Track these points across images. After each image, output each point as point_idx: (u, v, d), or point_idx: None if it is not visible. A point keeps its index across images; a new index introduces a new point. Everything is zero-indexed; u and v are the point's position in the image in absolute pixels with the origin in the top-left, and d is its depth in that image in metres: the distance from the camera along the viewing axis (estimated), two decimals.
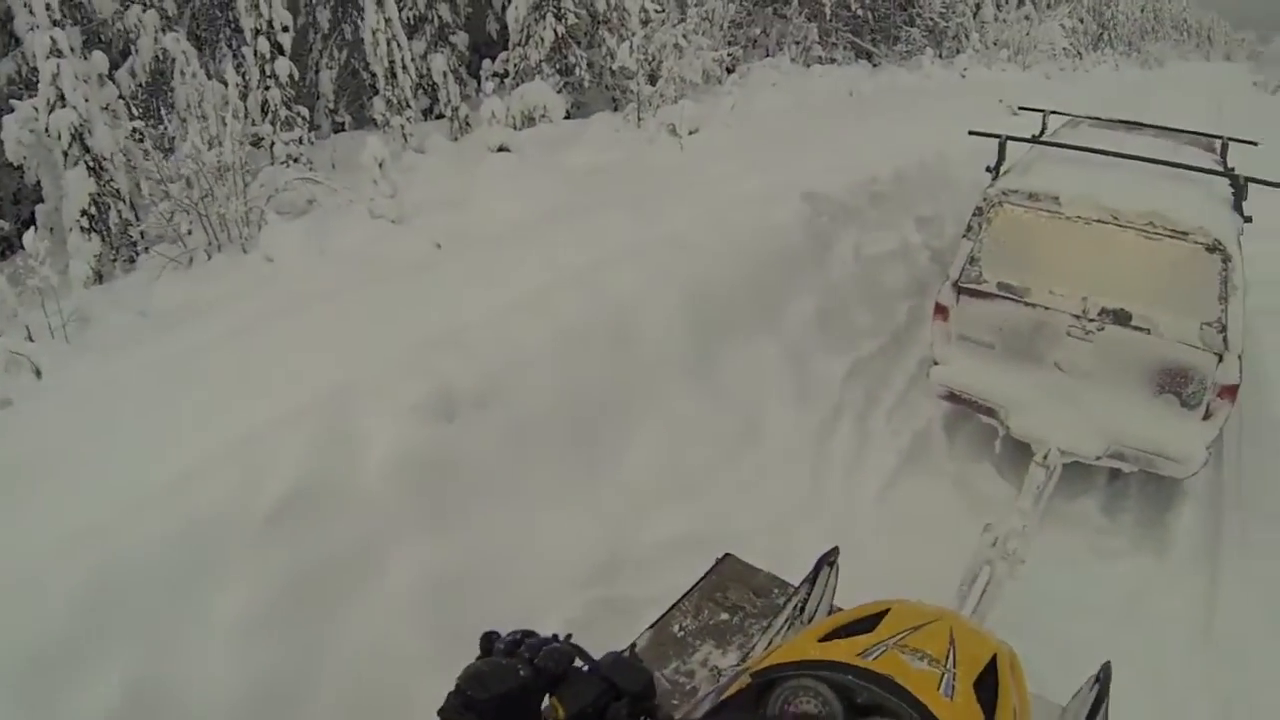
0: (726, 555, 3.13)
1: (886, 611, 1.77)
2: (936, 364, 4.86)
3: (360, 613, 2.97)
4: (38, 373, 4.82)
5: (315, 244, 6.25)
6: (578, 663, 1.26)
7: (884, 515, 4.37)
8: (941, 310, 4.81)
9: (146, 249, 8.14)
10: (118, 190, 8.31)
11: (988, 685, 1.64)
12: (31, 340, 5.69)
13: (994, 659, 1.72)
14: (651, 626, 2.74)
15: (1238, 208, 4.67)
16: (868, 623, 1.73)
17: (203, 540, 2.82)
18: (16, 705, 2.38)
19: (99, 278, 7.97)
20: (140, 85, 10.10)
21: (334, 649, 2.87)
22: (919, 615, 1.78)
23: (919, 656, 1.61)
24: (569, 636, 1.29)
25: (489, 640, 1.27)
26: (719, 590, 2.97)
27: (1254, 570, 4.05)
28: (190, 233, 7.52)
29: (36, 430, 3.75)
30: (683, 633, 2.75)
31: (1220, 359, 4.17)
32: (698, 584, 2.98)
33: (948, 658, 1.64)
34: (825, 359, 5.33)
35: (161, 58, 9.86)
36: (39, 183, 8.75)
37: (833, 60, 18.53)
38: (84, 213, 8.09)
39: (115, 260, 8.36)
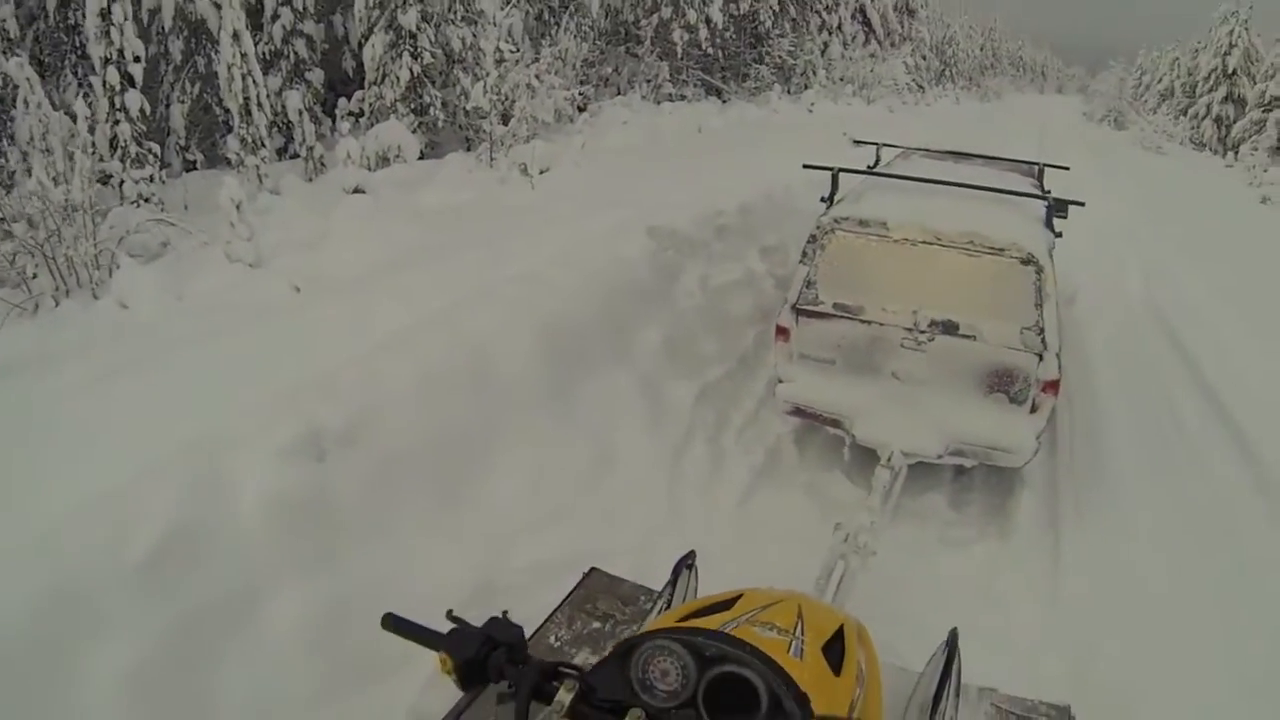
0: (592, 569, 3.37)
1: (740, 597, 1.90)
2: (781, 382, 5.22)
3: (244, 655, 3.01)
4: None
5: (172, 289, 6.19)
6: None
7: (741, 525, 4.68)
8: (783, 332, 5.18)
9: None
10: None
11: (835, 650, 1.80)
12: None
13: (841, 628, 1.89)
14: (528, 640, 2.96)
15: (1049, 225, 5.19)
16: (721, 606, 1.86)
17: (72, 597, 2.76)
18: None
19: None
20: None
21: (221, 694, 2.91)
22: (770, 597, 1.91)
23: (769, 628, 1.73)
24: (450, 611, 1.57)
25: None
26: (589, 602, 3.20)
27: (1090, 542, 4.57)
28: (35, 276, 7.23)
29: None
30: (559, 643, 2.96)
31: (1040, 358, 4.66)
32: (568, 597, 3.21)
33: (796, 627, 1.77)
34: (676, 385, 5.62)
35: (2, 84, 9.37)
36: None
37: (683, 97, 19.16)
38: None
39: None
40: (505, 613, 1.59)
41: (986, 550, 4.66)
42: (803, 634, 1.77)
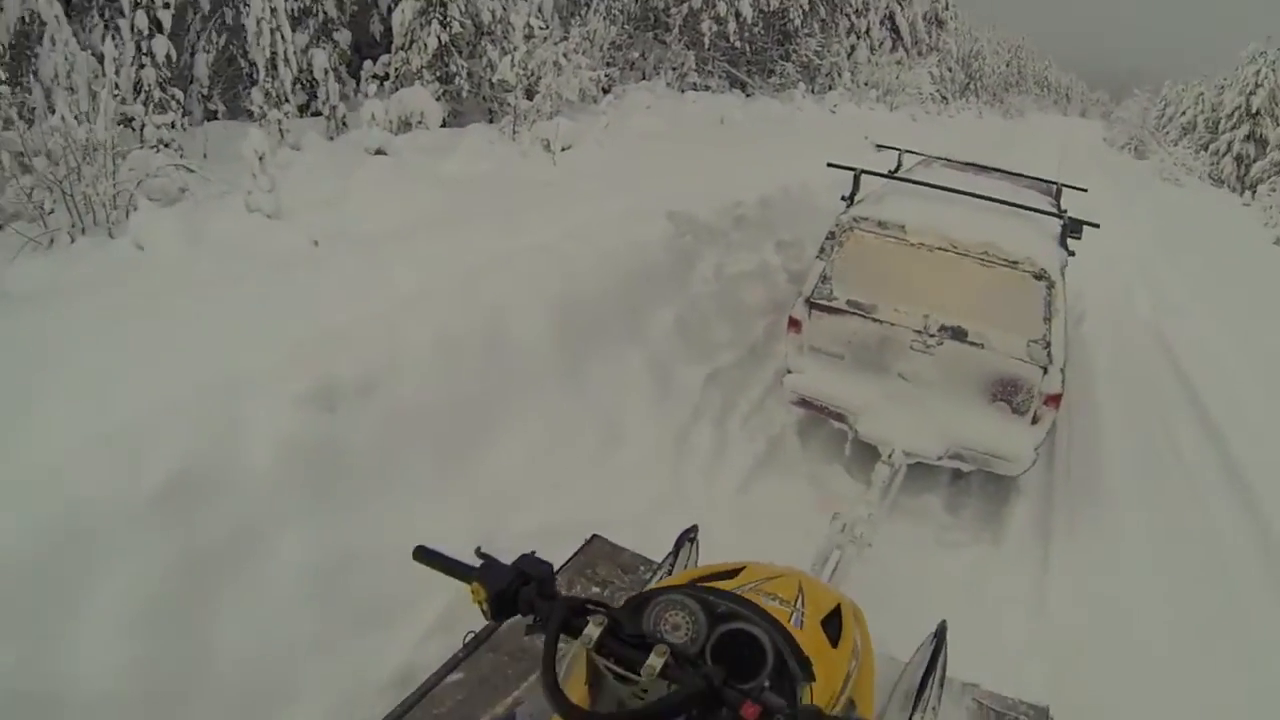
0: (594, 536, 3.42)
1: (743, 568, 1.97)
2: (790, 373, 5.30)
3: (248, 595, 3.03)
4: None
5: (189, 233, 6.17)
6: None
7: (742, 509, 4.74)
8: (795, 323, 5.24)
9: (2, 226, 7.78)
10: None
11: (833, 625, 1.87)
12: None
13: (838, 606, 1.95)
14: None
15: (1064, 243, 5.22)
16: (725, 575, 1.93)
17: (81, 528, 2.77)
18: None
19: None
20: (4, 47, 9.54)
21: (222, 633, 2.93)
22: (771, 571, 1.98)
23: (772, 598, 1.80)
24: (478, 548, 1.64)
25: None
26: (589, 567, 3.26)
27: (1080, 551, 4.66)
28: (52, 212, 7.20)
29: None
30: None
31: (1045, 371, 4.72)
32: (568, 561, 3.26)
33: (797, 600, 1.85)
34: (685, 368, 5.69)
35: (28, 19, 9.31)
36: None
37: (707, 87, 19.12)
38: None
39: None
40: (534, 551, 1.62)
41: (978, 554, 4.72)
42: (803, 606, 1.84)
